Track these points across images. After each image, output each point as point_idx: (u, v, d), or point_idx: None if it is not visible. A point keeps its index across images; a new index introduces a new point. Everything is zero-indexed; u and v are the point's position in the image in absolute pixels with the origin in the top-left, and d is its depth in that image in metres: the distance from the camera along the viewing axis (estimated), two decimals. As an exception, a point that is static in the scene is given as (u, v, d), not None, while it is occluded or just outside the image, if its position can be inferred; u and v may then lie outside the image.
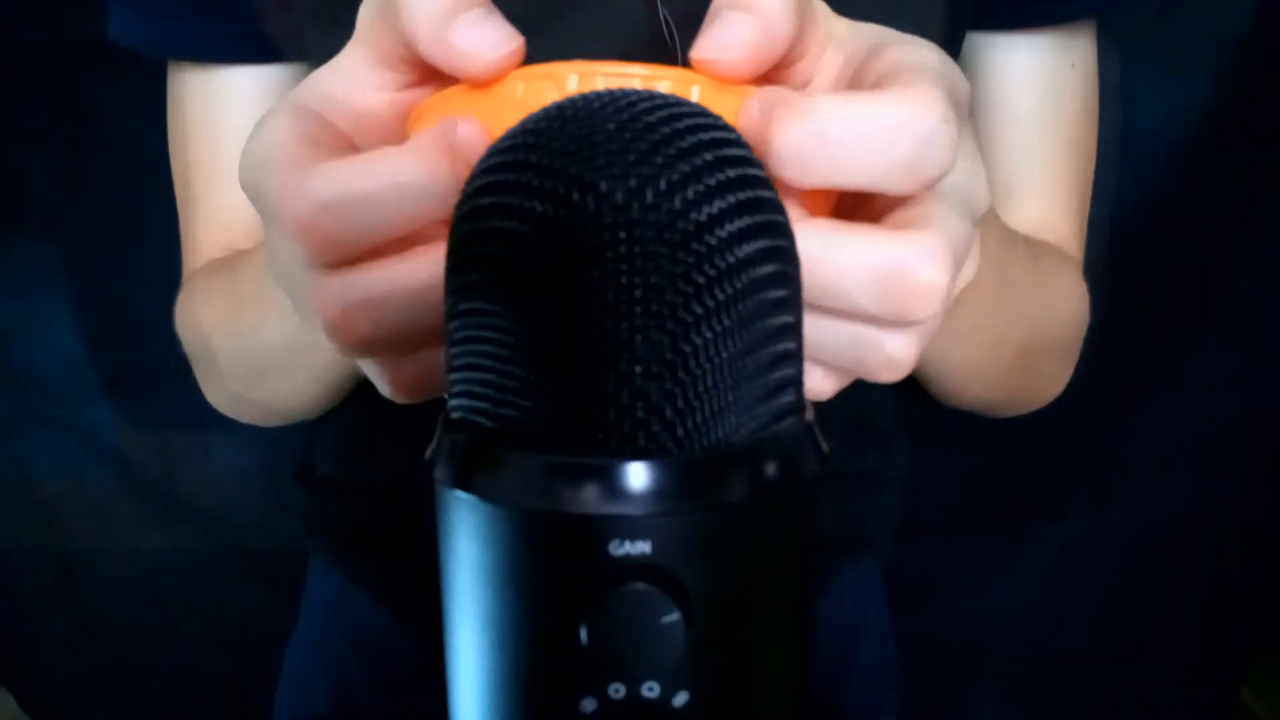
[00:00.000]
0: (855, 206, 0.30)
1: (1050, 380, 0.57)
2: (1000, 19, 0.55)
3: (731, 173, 0.22)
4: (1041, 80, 0.56)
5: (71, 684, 1.01)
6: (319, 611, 0.70)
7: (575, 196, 0.21)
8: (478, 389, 0.22)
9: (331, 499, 0.66)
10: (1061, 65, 0.56)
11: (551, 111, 0.23)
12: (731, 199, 0.21)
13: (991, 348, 0.50)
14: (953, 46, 0.54)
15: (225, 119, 0.56)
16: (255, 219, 0.55)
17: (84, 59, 0.79)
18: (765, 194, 0.22)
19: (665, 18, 0.48)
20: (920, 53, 0.29)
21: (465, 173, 0.24)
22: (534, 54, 0.50)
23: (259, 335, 0.48)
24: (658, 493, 0.21)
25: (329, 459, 0.66)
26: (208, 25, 0.54)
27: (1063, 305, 0.54)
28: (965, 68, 0.57)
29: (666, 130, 0.21)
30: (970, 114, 0.59)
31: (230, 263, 0.53)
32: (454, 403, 0.23)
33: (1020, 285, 0.49)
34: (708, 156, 0.21)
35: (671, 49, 0.48)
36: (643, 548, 0.20)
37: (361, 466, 0.64)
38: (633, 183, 0.21)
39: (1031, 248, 0.54)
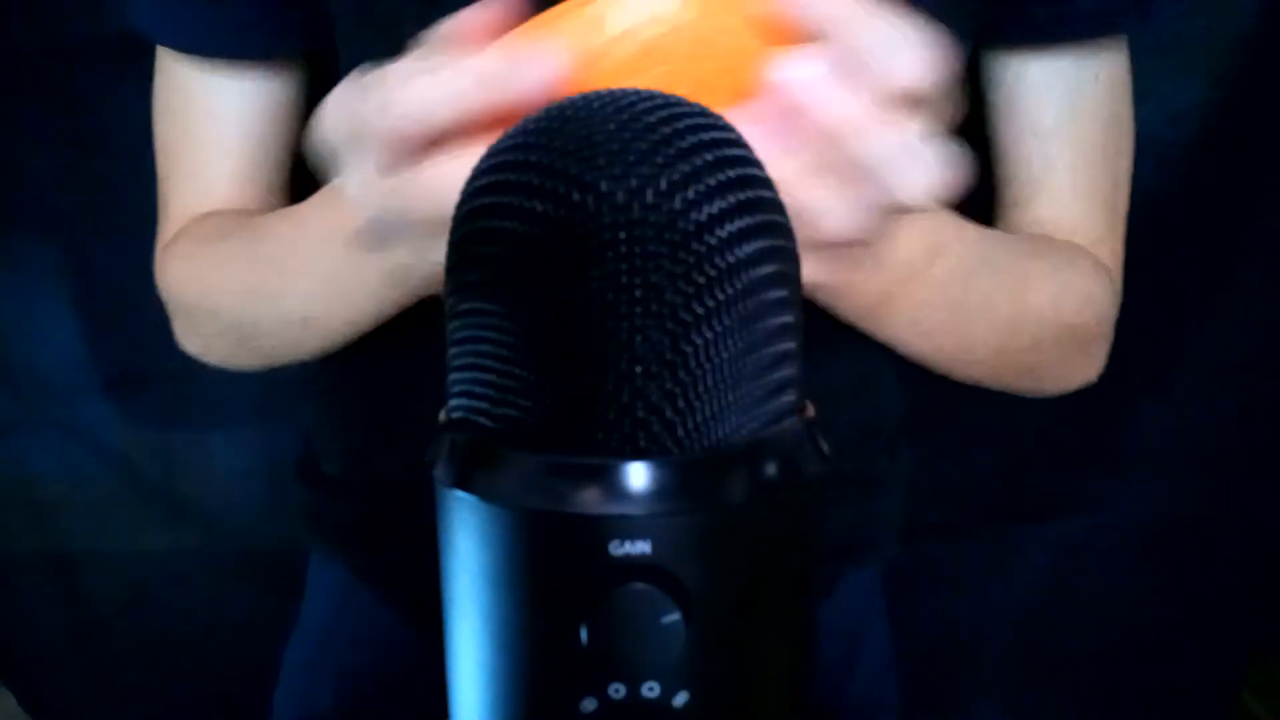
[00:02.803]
0: None
1: (1062, 369, 0.57)
2: (1018, 37, 0.55)
3: (732, 173, 0.22)
4: (1062, 93, 0.56)
5: (71, 683, 1.01)
6: (319, 609, 0.70)
7: (575, 196, 0.21)
8: (478, 389, 0.22)
9: (333, 495, 0.66)
10: (1083, 78, 0.56)
11: (552, 111, 0.23)
12: (732, 199, 0.21)
13: (962, 347, 0.50)
14: (968, 44, 0.54)
15: (222, 104, 0.58)
16: (235, 190, 0.58)
17: (84, 59, 0.79)
18: (765, 194, 0.22)
19: None
20: None
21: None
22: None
23: (282, 298, 0.51)
24: (658, 493, 0.21)
25: (330, 456, 0.66)
26: (227, 15, 0.55)
27: (1068, 299, 0.53)
28: (982, 77, 0.57)
29: (667, 130, 0.21)
30: (989, 122, 0.59)
31: (243, 224, 0.55)
32: (454, 403, 0.23)
33: (995, 287, 0.49)
34: (708, 156, 0.21)
35: None
36: (643, 548, 0.20)
37: (363, 463, 0.64)
38: (633, 183, 0.21)
39: (1032, 246, 0.54)
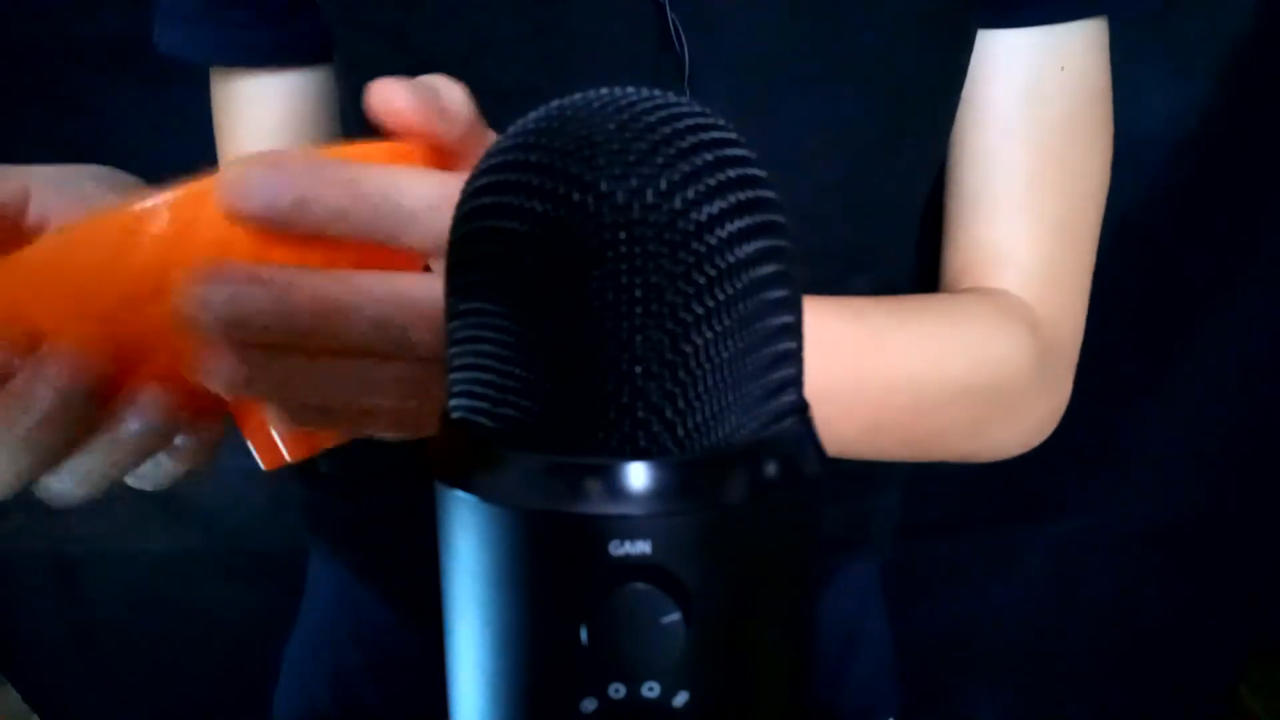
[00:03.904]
0: None
1: (982, 437, 0.53)
2: (993, 12, 0.52)
3: (732, 173, 0.22)
4: (1022, 79, 0.52)
5: (73, 682, 1.01)
6: (319, 609, 0.70)
7: (575, 196, 0.21)
8: (478, 389, 0.22)
9: (331, 493, 0.66)
10: (1047, 66, 0.52)
11: (552, 111, 0.23)
12: (732, 199, 0.21)
13: (865, 436, 0.48)
14: (961, 42, 0.53)
15: (249, 119, 0.59)
16: None
17: (84, 59, 0.79)
18: (766, 194, 0.22)
19: (674, 22, 0.48)
20: None
21: None
22: (543, 57, 0.50)
23: None
24: (658, 493, 0.21)
25: (329, 455, 0.66)
26: (253, 33, 0.57)
27: (955, 362, 0.50)
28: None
29: (667, 130, 0.21)
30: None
31: None
32: (454, 403, 0.23)
33: (883, 383, 0.47)
34: (708, 156, 0.21)
35: (680, 52, 0.48)
36: (643, 548, 0.20)
37: (362, 461, 0.64)
38: (633, 183, 0.21)
39: (910, 306, 0.51)
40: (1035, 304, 0.53)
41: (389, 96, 0.32)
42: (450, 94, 0.34)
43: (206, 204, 0.30)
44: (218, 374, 0.29)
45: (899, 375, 0.48)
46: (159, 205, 0.30)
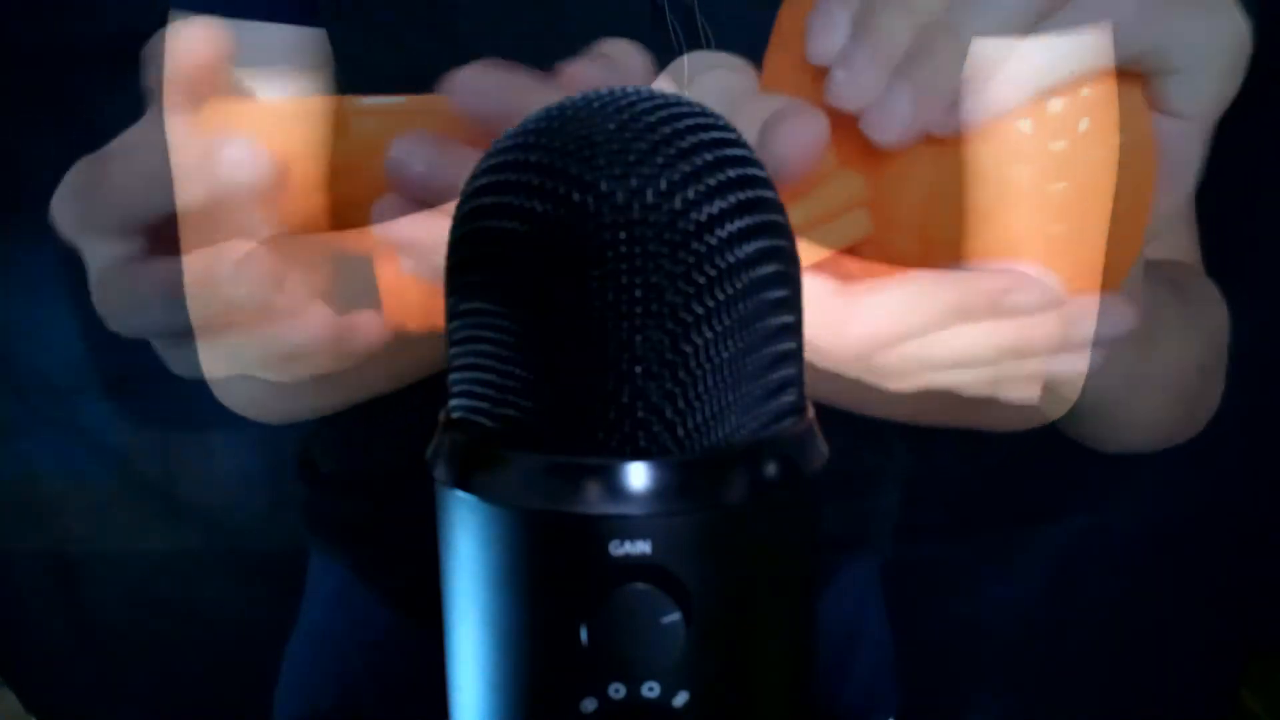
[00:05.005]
0: None
1: (994, 411, 0.56)
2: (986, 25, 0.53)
3: (732, 173, 0.22)
4: (1025, 83, 0.54)
5: (72, 683, 1.01)
6: (319, 609, 0.70)
7: (575, 196, 0.21)
8: (478, 389, 0.22)
9: (331, 494, 0.66)
10: (1059, 70, 0.54)
11: (552, 111, 0.23)
12: (732, 199, 0.21)
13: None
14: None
15: None
16: None
17: (84, 59, 0.79)
18: (766, 194, 0.22)
19: (672, 24, 0.48)
20: None
21: None
22: (542, 57, 0.50)
23: None
24: (658, 493, 0.21)
25: (329, 455, 0.66)
26: (255, 34, 0.56)
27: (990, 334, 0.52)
28: None
29: (667, 130, 0.21)
30: None
31: None
32: (454, 403, 0.23)
33: None
34: (708, 156, 0.21)
35: (678, 52, 0.49)
36: (643, 548, 0.20)
37: (361, 462, 0.64)
38: (633, 183, 0.21)
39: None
40: None
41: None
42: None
43: (414, 118, 0.33)
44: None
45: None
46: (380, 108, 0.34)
